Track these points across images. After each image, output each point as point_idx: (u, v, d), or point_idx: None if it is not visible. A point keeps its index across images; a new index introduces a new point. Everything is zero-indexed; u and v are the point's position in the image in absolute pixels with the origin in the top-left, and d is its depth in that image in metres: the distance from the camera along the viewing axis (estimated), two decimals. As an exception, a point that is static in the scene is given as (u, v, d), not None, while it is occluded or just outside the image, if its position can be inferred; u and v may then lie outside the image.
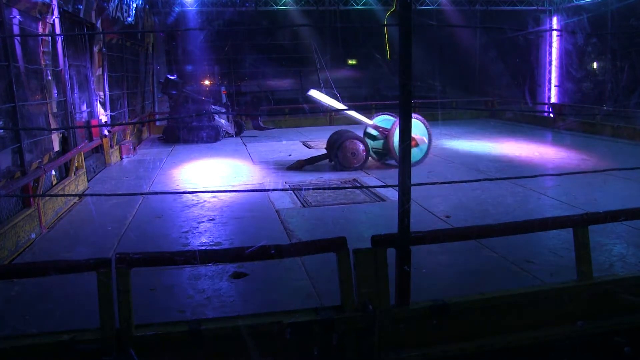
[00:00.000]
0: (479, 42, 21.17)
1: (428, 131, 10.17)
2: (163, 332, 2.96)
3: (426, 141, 10.07)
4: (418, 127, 9.92)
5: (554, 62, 18.99)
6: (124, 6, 13.01)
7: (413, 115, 10.02)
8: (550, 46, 19.10)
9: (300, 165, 10.28)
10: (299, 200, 7.73)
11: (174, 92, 15.25)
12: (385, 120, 10.43)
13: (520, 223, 4.11)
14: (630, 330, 3.59)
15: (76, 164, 8.52)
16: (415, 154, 9.80)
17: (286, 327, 3.03)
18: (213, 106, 15.61)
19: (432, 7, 19.10)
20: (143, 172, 10.57)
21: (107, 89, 11.74)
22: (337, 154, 9.87)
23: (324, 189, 8.45)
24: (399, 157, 3.10)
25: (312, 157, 10.47)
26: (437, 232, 4.41)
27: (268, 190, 8.49)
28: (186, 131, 14.85)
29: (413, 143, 9.54)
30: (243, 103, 20.24)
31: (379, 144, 10.33)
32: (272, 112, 18.97)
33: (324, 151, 10.80)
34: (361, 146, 9.95)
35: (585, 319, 3.50)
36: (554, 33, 18.63)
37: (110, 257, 2.89)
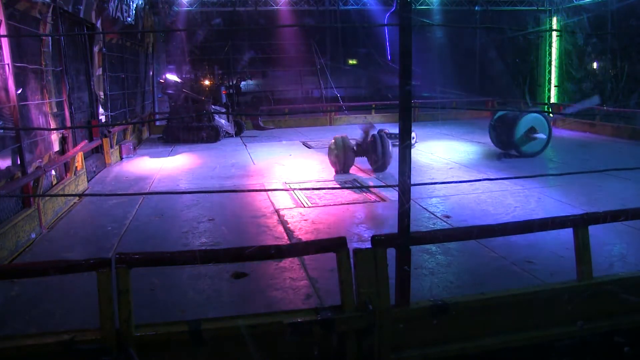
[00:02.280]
0: (479, 42, 21.17)
1: (548, 125, 10.91)
2: (163, 332, 2.96)
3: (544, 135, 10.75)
4: (538, 122, 10.78)
5: (554, 62, 18.99)
6: (124, 6, 13.00)
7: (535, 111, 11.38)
8: (550, 46, 19.10)
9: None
10: (299, 200, 7.73)
11: (173, 92, 15.25)
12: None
13: (520, 223, 4.11)
14: (630, 330, 3.59)
15: (76, 164, 8.52)
16: (535, 145, 10.80)
17: (286, 327, 3.02)
18: (213, 106, 15.61)
19: (432, 7, 19.10)
20: (143, 172, 10.57)
21: (107, 89, 11.74)
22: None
23: (324, 189, 8.44)
24: (399, 157, 3.10)
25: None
26: (437, 232, 4.42)
27: (268, 190, 8.49)
28: (186, 131, 14.85)
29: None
30: (243, 103, 20.26)
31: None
32: (272, 112, 18.98)
33: (326, 150, 10.79)
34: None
35: (585, 319, 3.50)
36: (554, 33, 18.63)
37: (110, 257, 2.89)
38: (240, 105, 20.10)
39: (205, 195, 7.96)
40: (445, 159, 11.09)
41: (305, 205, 7.49)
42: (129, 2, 13.61)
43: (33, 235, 6.15)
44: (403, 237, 3.12)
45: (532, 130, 10.70)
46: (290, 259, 5.03)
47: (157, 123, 16.73)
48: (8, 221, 5.73)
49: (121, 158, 12.12)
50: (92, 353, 2.81)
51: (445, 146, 12.77)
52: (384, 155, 9.32)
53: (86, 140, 9.86)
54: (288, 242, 5.81)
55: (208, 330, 2.97)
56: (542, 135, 10.76)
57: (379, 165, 9.49)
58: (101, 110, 11.35)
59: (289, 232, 6.23)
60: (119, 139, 12.61)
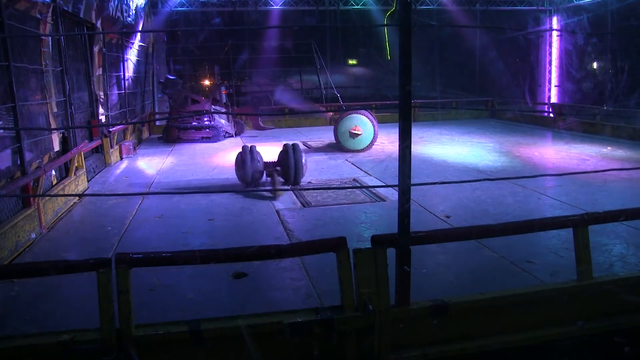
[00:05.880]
0: (479, 42, 21.17)
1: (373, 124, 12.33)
2: (163, 332, 2.96)
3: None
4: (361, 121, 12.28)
5: (554, 62, 19.00)
6: (124, 6, 13.01)
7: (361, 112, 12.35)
8: (550, 46, 19.11)
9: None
10: (299, 200, 7.73)
11: (174, 92, 15.24)
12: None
13: (520, 223, 4.11)
14: (630, 330, 3.59)
15: (76, 164, 8.52)
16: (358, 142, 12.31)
17: (286, 327, 3.02)
18: (213, 106, 15.61)
19: (432, 7, 19.10)
20: (143, 172, 10.57)
21: (107, 88, 11.74)
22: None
23: (324, 189, 8.44)
24: (399, 157, 3.09)
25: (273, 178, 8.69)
26: (437, 232, 4.41)
27: (268, 190, 8.49)
28: (186, 131, 14.86)
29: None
30: (243, 103, 20.25)
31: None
32: (272, 112, 18.97)
33: (326, 151, 10.78)
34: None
35: (585, 319, 3.50)
36: (554, 33, 18.64)
37: (110, 257, 2.89)
38: (240, 105, 20.10)
39: (205, 195, 7.96)
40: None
41: (305, 205, 7.49)
42: (129, 2, 13.62)
43: (33, 235, 6.14)
44: (403, 237, 3.12)
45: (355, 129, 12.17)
46: (290, 259, 5.03)
47: (157, 123, 16.73)
48: (8, 221, 5.72)
49: (121, 158, 12.11)
50: (92, 353, 2.81)
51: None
52: (296, 169, 8.53)
53: (86, 140, 9.86)
54: (288, 242, 5.81)
55: (208, 330, 2.97)
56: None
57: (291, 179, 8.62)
58: (101, 110, 11.36)
59: (289, 232, 6.23)
60: (119, 139, 12.61)
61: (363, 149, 12.32)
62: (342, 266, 3.11)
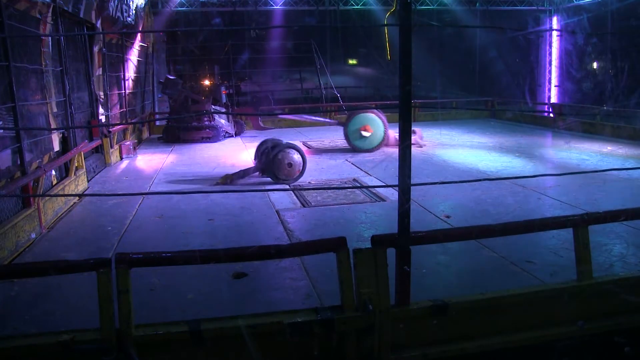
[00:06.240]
0: (479, 42, 21.18)
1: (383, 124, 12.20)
2: (163, 332, 2.96)
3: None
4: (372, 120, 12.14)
5: (554, 62, 19.00)
6: (124, 6, 13.01)
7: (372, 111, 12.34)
8: (550, 46, 19.11)
9: (229, 180, 9.04)
10: (299, 200, 7.73)
11: (174, 92, 15.25)
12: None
13: (520, 223, 4.11)
14: (630, 330, 3.59)
15: (76, 164, 8.52)
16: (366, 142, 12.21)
17: (286, 327, 3.03)
18: (213, 106, 15.61)
19: (432, 7, 19.11)
20: (143, 172, 10.57)
21: (107, 88, 11.75)
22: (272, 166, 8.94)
23: (324, 189, 8.44)
24: (399, 157, 3.10)
25: (242, 170, 9.32)
26: (437, 232, 4.42)
27: (268, 190, 8.49)
28: (186, 131, 14.86)
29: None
30: (243, 103, 20.26)
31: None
32: (273, 112, 18.97)
33: (326, 151, 10.79)
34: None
35: (585, 319, 3.50)
36: (554, 33, 18.65)
37: (110, 257, 2.89)
38: (240, 105, 20.11)
39: (205, 195, 7.96)
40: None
41: (305, 205, 7.49)
42: (129, 2, 13.62)
43: (33, 235, 6.15)
44: (403, 237, 3.12)
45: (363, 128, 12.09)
46: (290, 259, 5.03)
47: (157, 123, 16.74)
48: (8, 221, 5.72)
49: (121, 158, 12.12)
50: (92, 353, 2.81)
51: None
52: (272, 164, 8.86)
53: (86, 140, 9.86)
54: (288, 242, 5.81)
55: (208, 330, 2.97)
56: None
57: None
58: (101, 110, 11.36)
59: (289, 232, 6.23)
60: (119, 139, 12.62)
61: (373, 148, 12.09)
62: (342, 266, 3.11)
